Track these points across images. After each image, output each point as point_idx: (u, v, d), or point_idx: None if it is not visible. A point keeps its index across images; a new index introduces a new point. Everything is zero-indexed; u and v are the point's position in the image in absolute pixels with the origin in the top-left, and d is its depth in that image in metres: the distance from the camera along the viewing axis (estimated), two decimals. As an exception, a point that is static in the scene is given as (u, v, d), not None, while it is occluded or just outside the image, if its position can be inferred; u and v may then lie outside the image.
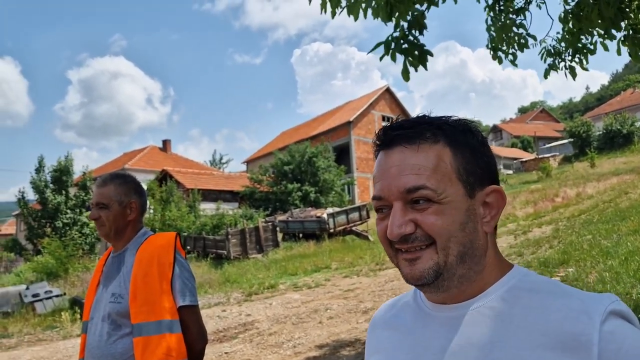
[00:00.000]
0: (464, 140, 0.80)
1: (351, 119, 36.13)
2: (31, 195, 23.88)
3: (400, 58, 2.88)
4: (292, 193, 27.49)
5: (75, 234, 22.04)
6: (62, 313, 10.47)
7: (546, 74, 3.63)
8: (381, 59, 2.93)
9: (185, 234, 22.27)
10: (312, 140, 33.69)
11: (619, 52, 3.89)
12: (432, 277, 0.77)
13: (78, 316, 10.30)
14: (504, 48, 3.53)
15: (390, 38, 2.87)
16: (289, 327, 7.55)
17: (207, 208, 27.40)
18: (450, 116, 0.84)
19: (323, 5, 3.01)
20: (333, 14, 3.00)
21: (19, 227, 37.39)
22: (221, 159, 61.20)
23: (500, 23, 3.50)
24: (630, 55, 3.66)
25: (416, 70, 2.85)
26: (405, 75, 2.84)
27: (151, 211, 23.52)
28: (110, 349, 1.76)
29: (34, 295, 11.51)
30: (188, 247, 20.66)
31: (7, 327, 10.20)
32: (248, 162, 46.70)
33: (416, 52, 2.82)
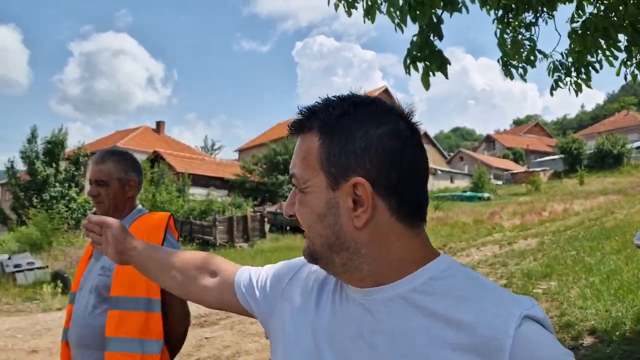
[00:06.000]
0: (340, 127, 0.74)
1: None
2: (20, 166, 23.63)
3: (419, 65, 2.90)
4: (283, 185, 27.50)
5: (62, 208, 21.85)
6: (44, 286, 10.41)
7: (552, 90, 3.68)
8: (408, 71, 2.91)
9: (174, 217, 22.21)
10: (306, 134, 33.68)
11: (617, 73, 3.95)
12: (309, 258, 0.81)
13: (59, 290, 10.26)
14: (515, 63, 3.56)
15: (411, 45, 2.88)
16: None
17: (197, 193, 27.34)
18: (351, 96, 0.79)
19: (337, 6, 3.02)
20: (349, 14, 3.01)
21: (4, 196, 37.01)
22: (213, 145, 61.04)
23: (511, 38, 3.54)
24: (633, 79, 3.72)
25: (434, 75, 2.88)
26: (426, 82, 2.85)
27: (141, 191, 23.41)
28: (94, 321, 1.76)
29: (16, 266, 11.45)
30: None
31: (-13, 295, 10.14)
32: (241, 150, 46.60)
33: (436, 60, 2.84)
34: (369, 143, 0.73)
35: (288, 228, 21.13)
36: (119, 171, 1.91)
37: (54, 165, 23.18)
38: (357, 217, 0.73)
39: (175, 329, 1.81)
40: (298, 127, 0.80)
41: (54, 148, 23.47)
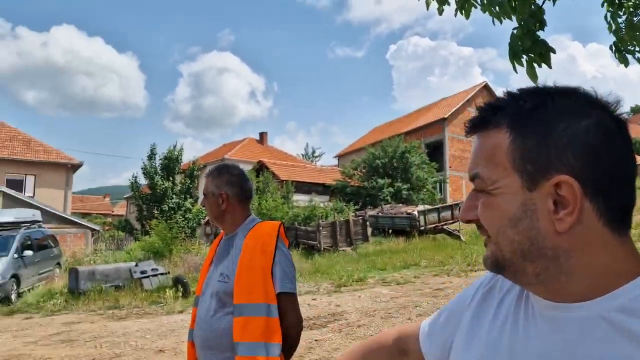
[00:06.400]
0: (535, 121, 0.67)
1: (446, 116, 35.15)
2: (142, 180, 25.95)
3: (522, 58, 2.78)
4: (382, 188, 27.37)
5: (179, 218, 23.62)
6: (166, 290, 11.30)
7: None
8: (514, 67, 2.79)
9: (279, 223, 23.00)
10: (405, 136, 33.29)
11: None
12: (492, 266, 0.72)
13: (180, 294, 11.07)
14: (632, 48, 3.26)
15: (512, 39, 2.77)
16: (378, 321, 7.60)
17: (300, 199, 28.09)
18: (543, 87, 0.71)
19: (428, 4, 2.99)
20: (440, 12, 2.97)
21: (130, 208, 40.73)
22: (313, 152, 62.30)
23: (625, 22, 3.25)
24: None
25: (540, 67, 2.74)
26: (533, 74, 2.72)
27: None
28: (215, 324, 1.91)
29: (142, 272, 12.48)
30: (281, 236, 21.33)
31: (119, 299, 11.18)
32: (340, 156, 47.11)
33: (540, 51, 2.70)
34: (572, 137, 0.64)
35: (390, 231, 20.99)
36: (213, 186, 2.10)
37: (170, 179, 25.15)
38: (560, 220, 0.64)
39: (290, 333, 1.90)
40: (480, 124, 0.72)
41: (170, 163, 25.50)
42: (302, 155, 59.48)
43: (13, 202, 20.72)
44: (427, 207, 22.70)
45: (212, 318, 1.92)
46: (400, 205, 25.10)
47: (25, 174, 25.99)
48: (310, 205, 25.79)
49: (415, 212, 20.77)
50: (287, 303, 1.89)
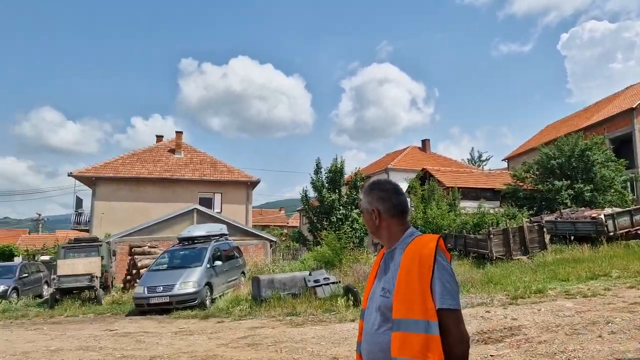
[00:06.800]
0: None
1: (634, 106, 30.80)
2: (311, 193, 27.49)
3: None
4: (560, 191, 25.02)
5: (347, 229, 24.45)
6: (338, 299, 11.73)
7: None
8: None
9: (446, 231, 22.42)
10: (584, 132, 30.01)
11: None
12: None
13: (351, 303, 11.40)
14: None
15: None
16: (562, 338, 6.92)
17: (467, 206, 27.06)
18: None
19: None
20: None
21: (302, 220, 43.36)
22: (480, 156, 59.50)
23: None
24: None
25: None
26: None
27: (413, 209, 24.44)
28: (379, 338, 1.91)
29: (315, 281, 13.15)
30: (449, 245, 20.76)
31: (296, 306, 11.92)
32: (509, 158, 44.24)
33: None
34: None
35: (572, 238, 19.05)
36: (366, 202, 2.16)
37: (337, 191, 26.21)
38: None
39: (453, 352, 1.81)
40: None
41: (335, 176, 26.60)
42: (468, 160, 57.23)
43: (204, 218, 23.52)
44: (617, 209, 20.17)
45: (376, 332, 1.95)
46: (583, 208, 22.68)
47: (214, 193, 29.53)
48: (479, 212, 24.71)
49: (602, 216, 18.61)
50: (448, 320, 1.81)
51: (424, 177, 30.87)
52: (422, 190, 26.79)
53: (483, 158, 59.18)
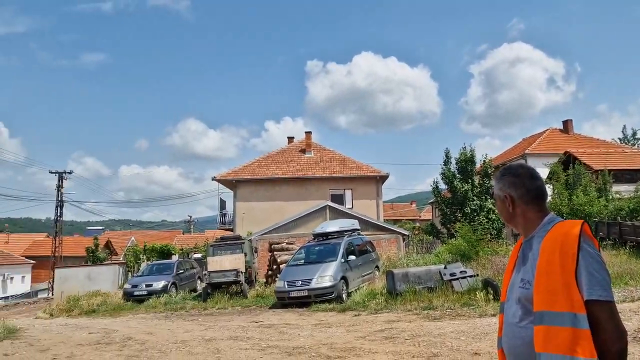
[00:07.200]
0: None
1: None
2: (442, 185, 26.75)
3: None
4: None
5: (483, 220, 23.37)
6: (477, 292, 11.27)
7: None
8: None
9: (596, 219, 20.39)
10: None
11: None
12: None
13: (491, 297, 10.88)
14: None
15: None
16: None
17: (622, 190, 24.36)
18: None
19: None
20: None
21: (434, 213, 42.40)
22: (634, 134, 53.01)
23: None
24: None
25: None
26: None
27: (556, 196, 22.60)
28: (521, 332, 1.81)
29: (451, 274, 12.78)
30: (600, 234, 18.89)
31: (432, 300, 11.70)
32: (672, 133, 38.89)
33: None
34: None
35: None
36: (497, 189, 2.07)
37: (469, 181, 25.18)
38: None
39: (607, 348, 1.64)
40: None
41: (466, 165, 25.57)
42: (620, 139, 51.32)
43: (336, 214, 24.07)
44: None
45: (517, 325, 1.85)
46: None
47: (344, 189, 30.10)
48: (636, 196, 22.06)
49: None
50: (599, 313, 1.64)
51: (567, 161, 28.31)
52: (565, 176, 24.66)
53: (638, 136, 52.70)
